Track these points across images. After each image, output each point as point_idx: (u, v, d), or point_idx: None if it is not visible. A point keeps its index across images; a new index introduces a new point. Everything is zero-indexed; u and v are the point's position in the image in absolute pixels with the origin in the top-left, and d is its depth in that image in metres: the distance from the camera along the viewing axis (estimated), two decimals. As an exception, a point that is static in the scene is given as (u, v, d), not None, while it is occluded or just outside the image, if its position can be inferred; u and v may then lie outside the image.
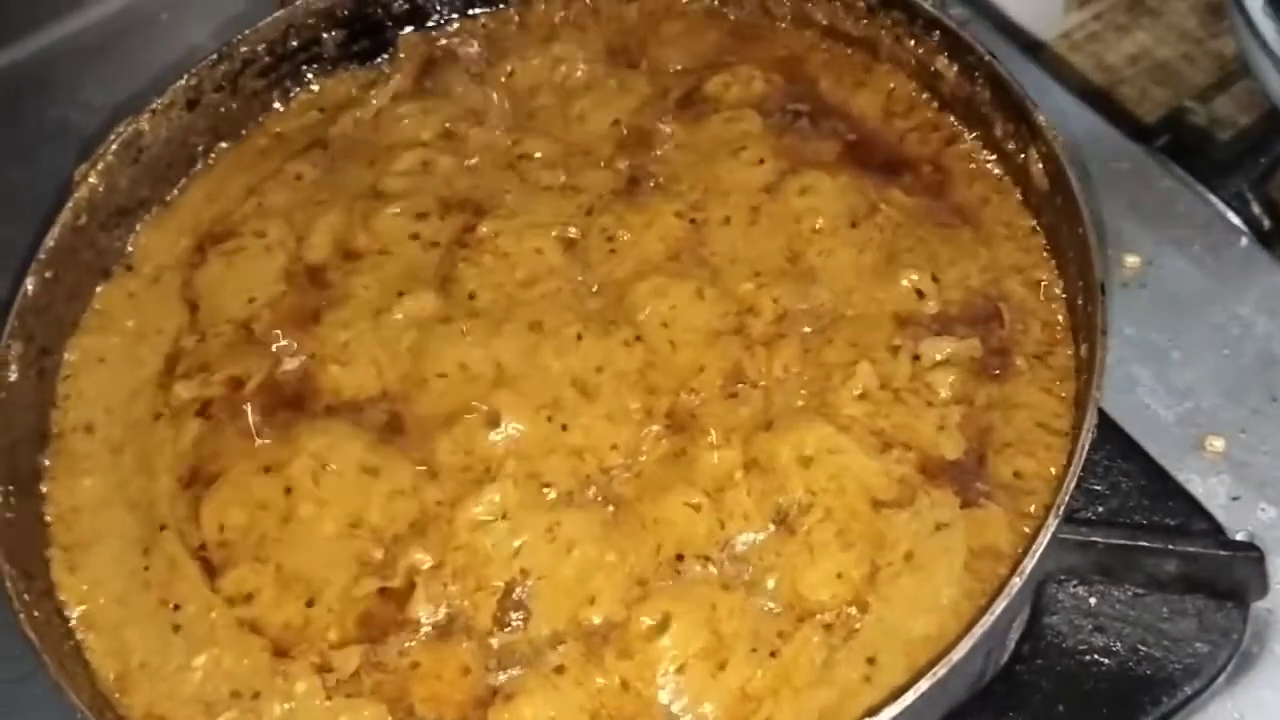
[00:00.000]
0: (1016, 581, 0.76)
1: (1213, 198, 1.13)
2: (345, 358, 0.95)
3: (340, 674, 0.83)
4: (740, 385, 0.91)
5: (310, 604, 0.86)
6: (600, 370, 0.92)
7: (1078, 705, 0.87)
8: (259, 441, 0.92)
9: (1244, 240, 1.10)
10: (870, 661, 0.81)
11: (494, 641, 0.84)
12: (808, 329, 0.93)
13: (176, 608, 0.87)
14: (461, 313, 0.96)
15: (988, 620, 0.75)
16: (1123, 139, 1.17)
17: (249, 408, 0.94)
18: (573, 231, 1.00)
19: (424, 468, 0.90)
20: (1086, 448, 0.80)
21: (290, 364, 0.96)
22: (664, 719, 0.81)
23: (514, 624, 0.84)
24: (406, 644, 0.84)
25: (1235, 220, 1.12)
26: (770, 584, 0.84)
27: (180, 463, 0.92)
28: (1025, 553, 0.78)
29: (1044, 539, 0.78)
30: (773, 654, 0.81)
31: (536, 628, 0.84)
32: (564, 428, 0.90)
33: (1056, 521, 0.78)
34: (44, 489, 0.93)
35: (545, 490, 0.88)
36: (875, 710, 0.74)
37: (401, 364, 0.94)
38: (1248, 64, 1.25)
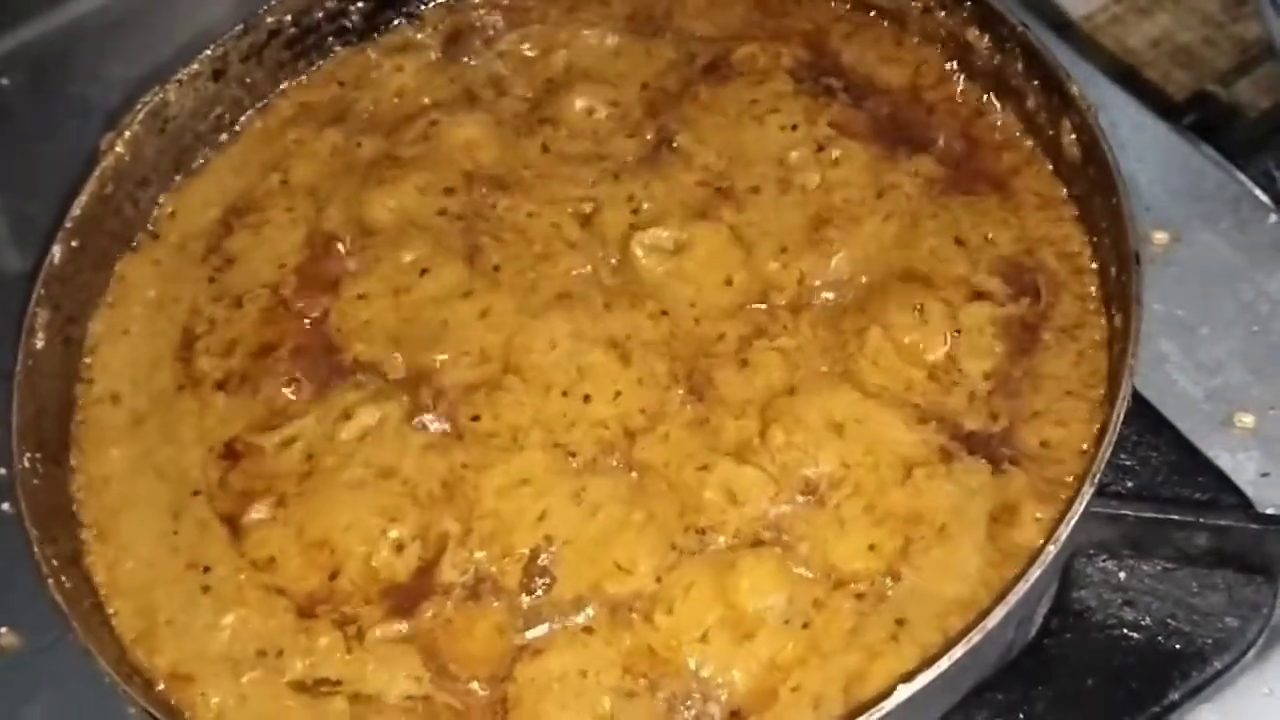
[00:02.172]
0: (1051, 549, 0.76)
1: (1241, 175, 1.12)
2: (368, 335, 0.95)
3: (363, 624, 0.84)
4: (761, 352, 0.91)
5: (334, 577, 0.86)
6: (629, 338, 0.92)
7: (1106, 679, 0.87)
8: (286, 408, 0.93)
9: (1272, 217, 1.09)
10: (899, 622, 0.81)
11: (523, 603, 0.84)
12: (829, 296, 0.93)
13: (206, 570, 0.87)
14: (484, 286, 0.96)
15: (1022, 587, 0.75)
16: (1150, 116, 1.16)
17: (277, 377, 0.94)
18: (587, 207, 0.99)
19: (449, 432, 0.90)
20: (1122, 415, 0.79)
21: (315, 337, 0.96)
22: (693, 681, 0.81)
23: (539, 589, 0.84)
24: (442, 605, 0.84)
25: (1263, 198, 1.10)
26: (802, 552, 0.84)
27: (211, 434, 0.93)
28: (1059, 521, 0.77)
29: (1079, 506, 0.77)
30: (805, 625, 0.81)
31: (561, 593, 0.84)
32: (586, 398, 0.90)
33: (1092, 489, 0.78)
34: (71, 458, 0.93)
35: (570, 458, 0.88)
36: (910, 676, 0.74)
37: (423, 339, 0.94)
38: (1272, 48, 1.24)
